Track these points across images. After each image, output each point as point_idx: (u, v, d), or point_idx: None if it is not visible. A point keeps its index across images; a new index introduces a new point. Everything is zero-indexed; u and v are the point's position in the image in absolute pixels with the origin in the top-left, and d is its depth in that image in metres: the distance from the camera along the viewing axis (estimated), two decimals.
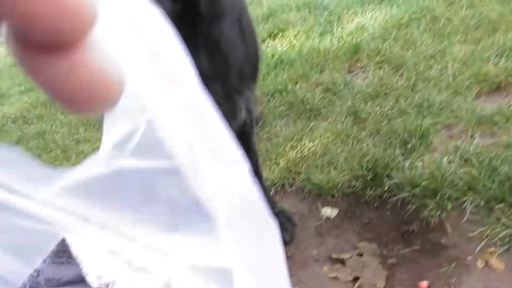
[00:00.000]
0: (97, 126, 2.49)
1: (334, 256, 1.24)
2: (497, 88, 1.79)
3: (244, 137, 1.31)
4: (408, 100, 1.84)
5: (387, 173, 1.41)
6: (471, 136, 1.55)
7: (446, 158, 1.40)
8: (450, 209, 1.25)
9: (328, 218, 1.38)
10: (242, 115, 1.12)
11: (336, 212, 1.39)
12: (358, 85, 2.12)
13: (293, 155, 1.65)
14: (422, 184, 1.31)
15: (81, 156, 2.18)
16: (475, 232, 1.19)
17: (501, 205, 1.21)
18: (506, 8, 2.38)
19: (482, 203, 1.24)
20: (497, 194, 1.24)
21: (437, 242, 1.22)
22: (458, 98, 1.78)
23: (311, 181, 1.48)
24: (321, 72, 2.38)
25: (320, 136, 1.74)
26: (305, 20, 3.17)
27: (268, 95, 2.26)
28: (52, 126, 2.68)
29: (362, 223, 1.35)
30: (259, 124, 1.99)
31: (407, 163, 1.43)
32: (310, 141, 1.72)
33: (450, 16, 2.52)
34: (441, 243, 1.21)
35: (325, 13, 3.19)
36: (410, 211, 1.30)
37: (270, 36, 3.13)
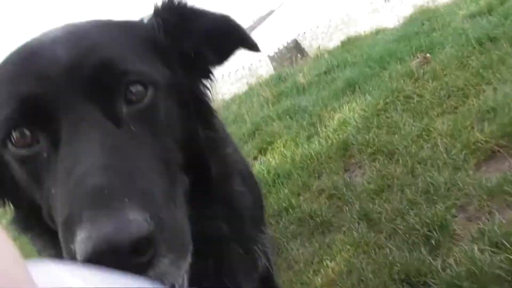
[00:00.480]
0: None
1: None
2: (492, 154, 1.80)
3: (266, 281, 1.25)
4: (413, 188, 1.82)
5: (423, 281, 1.32)
6: (489, 213, 1.50)
7: (476, 247, 1.33)
8: None
9: None
10: (262, 262, 1.09)
11: None
12: (359, 183, 2.11)
13: (319, 282, 1.57)
14: (464, 285, 1.22)
15: None
16: None
17: None
18: (467, 73, 2.52)
19: None
20: None
21: None
22: (460, 174, 1.76)
23: None
24: (319, 177, 2.40)
25: (340, 252, 1.67)
26: (289, 127, 3.30)
27: (275, 215, 2.23)
28: None
29: None
30: (275, 253, 1.93)
31: (439, 263, 1.35)
32: (331, 260, 1.65)
33: (420, 92, 2.64)
34: None
35: (306, 116, 3.34)
36: None
37: (261, 152, 3.21)
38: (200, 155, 0.80)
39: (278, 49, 13.94)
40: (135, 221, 0.52)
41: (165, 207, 0.61)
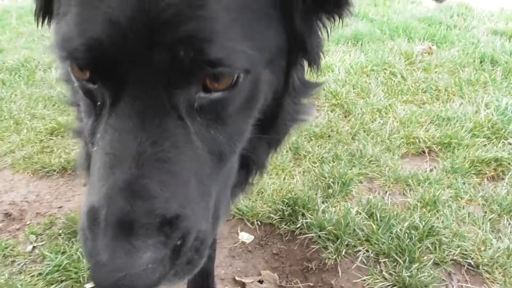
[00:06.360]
0: (57, 105, 2.53)
1: (238, 278, 1.39)
2: (421, 152, 2.02)
3: None
4: (345, 147, 2.04)
5: (303, 212, 1.58)
6: (386, 192, 1.76)
7: (356, 208, 1.59)
8: (344, 255, 1.44)
9: (243, 243, 1.53)
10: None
11: (252, 239, 1.55)
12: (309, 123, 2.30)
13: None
14: (328, 228, 1.49)
15: (32, 133, 2.19)
16: (359, 280, 1.38)
17: (386, 259, 1.41)
18: (452, 79, 2.64)
19: (372, 254, 1.44)
20: (385, 249, 1.44)
21: (328, 282, 1.40)
22: (387, 154, 1.99)
23: (236, 205, 1.64)
24: None
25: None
26: None
27: None
28: (11, 94, 2.66)
29: (272, 253, 1.51)
30: None
31: (322, 206, 1.61)
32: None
33: (405, 75, 2.76)
34: (331, 284, 1.39)
35: None
36: (313, 250, 1.48)
37: None
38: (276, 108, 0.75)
39: None
40: (147, 269, 0.49)
41: (196, 224, 0.56)
